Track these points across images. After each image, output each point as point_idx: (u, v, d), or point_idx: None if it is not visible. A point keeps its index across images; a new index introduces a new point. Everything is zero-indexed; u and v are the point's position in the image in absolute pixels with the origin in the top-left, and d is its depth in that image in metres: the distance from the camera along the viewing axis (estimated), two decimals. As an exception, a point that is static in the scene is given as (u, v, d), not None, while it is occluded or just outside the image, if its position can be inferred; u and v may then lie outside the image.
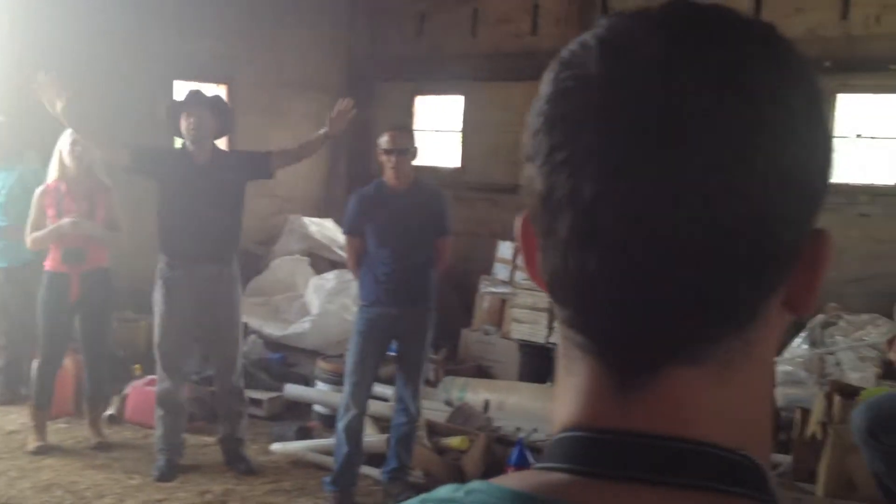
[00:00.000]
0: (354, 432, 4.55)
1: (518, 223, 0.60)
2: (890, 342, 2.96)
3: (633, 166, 0.52)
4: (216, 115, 4.83)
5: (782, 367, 5.94)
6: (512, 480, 0.56)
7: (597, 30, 0.56)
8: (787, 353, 5.99)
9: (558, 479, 0.55)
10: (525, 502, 0.54)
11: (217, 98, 5.08)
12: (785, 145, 0.53)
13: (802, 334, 6.07)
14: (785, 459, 5.12)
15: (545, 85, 0.57)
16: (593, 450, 0.54)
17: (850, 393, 4.85)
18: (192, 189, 4.73)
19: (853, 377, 5.55)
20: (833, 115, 6.97)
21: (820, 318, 6.19)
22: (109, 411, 5.62)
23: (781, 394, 5.93)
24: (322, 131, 4.92)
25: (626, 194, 0.52)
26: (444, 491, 0.58)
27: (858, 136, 6.97)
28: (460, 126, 8.98)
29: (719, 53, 0.53)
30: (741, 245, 0.52)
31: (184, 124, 4.73)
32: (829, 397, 4.81)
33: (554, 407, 0.59)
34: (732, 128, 0.52)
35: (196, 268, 4.77)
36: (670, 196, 0.51)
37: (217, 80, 8.12)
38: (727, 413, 0.55)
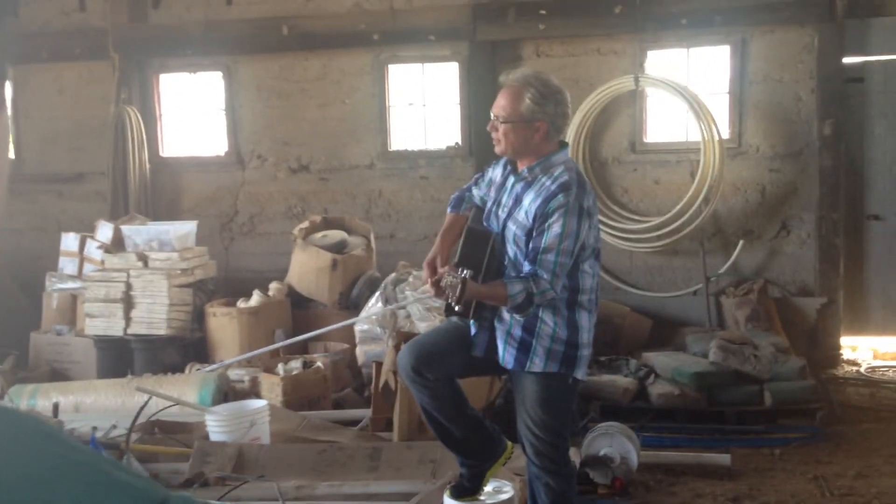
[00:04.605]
0: None
1: None
2: (432, 271, 3.15)
3: None
4: None
5: (360, 327, 6.22)
6: None
7: None
8: (363, 313, 6.28)
9: None
10: None
11: None
12: None
13: (377, 293, 6.38)
14: (367, 413, 5.37)
15: None
16: None
17: (415, 341, 5.21)
18: None
19: (421, 327, 5.95)
20: (386, 86, 7.40)
21: (392, 276, 6.55)
22: None
23: (361, 351, 6.22)
24: None
25: None
26: None
27: (410, 104, 7.45)
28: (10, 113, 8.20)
29: None
30: None
31: None
32: (397, 348, 5.12)
33: None
34: None
35: None
36: None
37: None
38: None
